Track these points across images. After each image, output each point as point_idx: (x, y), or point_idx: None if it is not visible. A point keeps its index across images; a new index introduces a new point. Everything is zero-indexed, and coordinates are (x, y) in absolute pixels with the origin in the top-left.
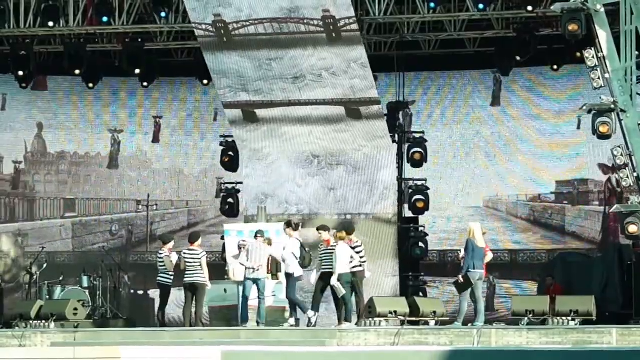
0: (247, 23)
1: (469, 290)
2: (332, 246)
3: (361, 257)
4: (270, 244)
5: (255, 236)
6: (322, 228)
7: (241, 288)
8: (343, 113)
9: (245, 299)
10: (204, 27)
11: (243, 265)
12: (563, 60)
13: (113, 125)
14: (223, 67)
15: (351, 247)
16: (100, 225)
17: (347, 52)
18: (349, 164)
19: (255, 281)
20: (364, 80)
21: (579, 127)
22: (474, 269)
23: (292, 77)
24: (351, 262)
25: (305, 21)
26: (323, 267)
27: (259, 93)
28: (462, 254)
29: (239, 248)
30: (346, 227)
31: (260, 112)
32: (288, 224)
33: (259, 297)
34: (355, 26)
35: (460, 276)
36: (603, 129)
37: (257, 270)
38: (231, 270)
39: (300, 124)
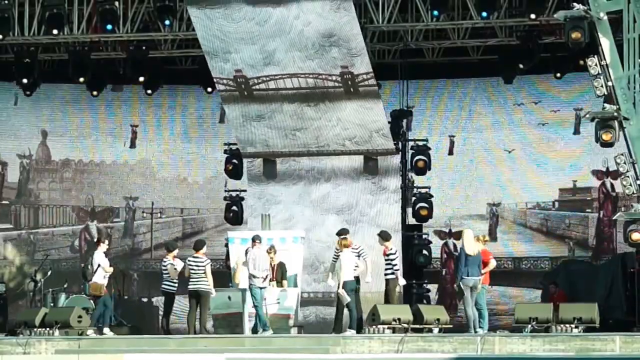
0: (267, 78)
1: (469, 296)
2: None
3: (394, 265)
4: (275, 252)
5: (253, 241)
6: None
7: (247, 296)
8: (361, 166)
9: (260, 306)
10: (225, 81)
11: (255, 276)
12: (566, 68)
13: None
14: (251, 136)
15: (387, 254)
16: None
17: (370, 123)
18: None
19: (261, 289)
20: (384, 147)
21: (575, 132)
22: (467, 276)
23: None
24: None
25: (324, 77)
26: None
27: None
28: None
29: (246, 254)
30: (383, 234)
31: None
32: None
33: (256, 305)
34: (372, 81)
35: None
36: (606, 137)
37: (265, 279)
38: (238, 276)
39: (314, 210)
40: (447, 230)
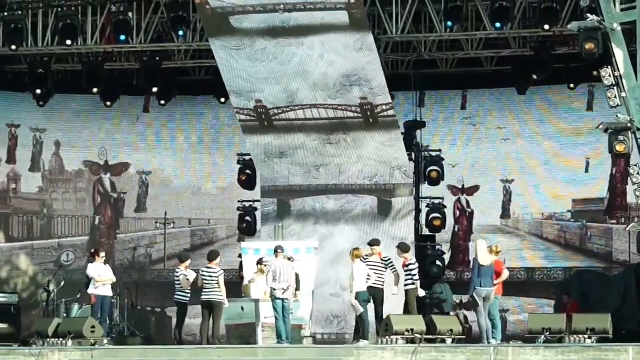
0: (288, 109)
1: (482, 307)
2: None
3: (414, 276)
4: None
5: (275, 252)
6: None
7: (262, 306)
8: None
9: (284, 317)
10: (245, 112)
11: (274, 288)
12: (580, 79)
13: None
14: (273, 174)
15: (406, 265)
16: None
17: (391, 160)
18: None
19: (284, 300)
20: (404, 183)
21: (587, 171)
22: (480, 286)
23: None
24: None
25: (344, 107)
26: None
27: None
28: None
29: (258, 264)
30: (402, 246)
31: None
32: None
33: (276, 316)
34: (392, 112)
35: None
36: (620, 148)
37: (287, 290)
38: (251, 287)
39: (328, 266)
40: (460, 187)
